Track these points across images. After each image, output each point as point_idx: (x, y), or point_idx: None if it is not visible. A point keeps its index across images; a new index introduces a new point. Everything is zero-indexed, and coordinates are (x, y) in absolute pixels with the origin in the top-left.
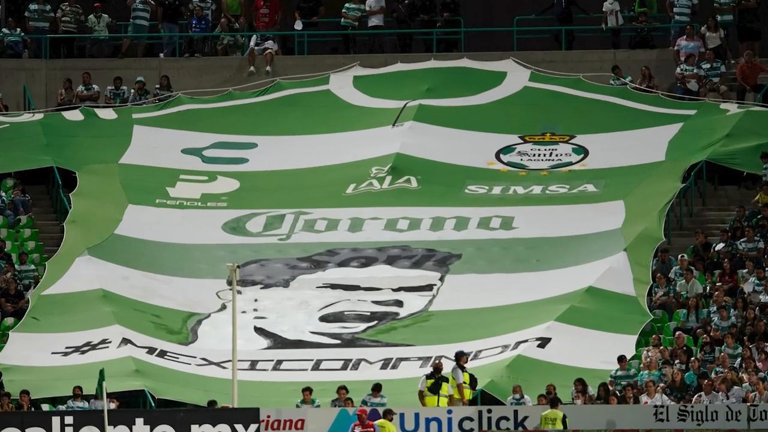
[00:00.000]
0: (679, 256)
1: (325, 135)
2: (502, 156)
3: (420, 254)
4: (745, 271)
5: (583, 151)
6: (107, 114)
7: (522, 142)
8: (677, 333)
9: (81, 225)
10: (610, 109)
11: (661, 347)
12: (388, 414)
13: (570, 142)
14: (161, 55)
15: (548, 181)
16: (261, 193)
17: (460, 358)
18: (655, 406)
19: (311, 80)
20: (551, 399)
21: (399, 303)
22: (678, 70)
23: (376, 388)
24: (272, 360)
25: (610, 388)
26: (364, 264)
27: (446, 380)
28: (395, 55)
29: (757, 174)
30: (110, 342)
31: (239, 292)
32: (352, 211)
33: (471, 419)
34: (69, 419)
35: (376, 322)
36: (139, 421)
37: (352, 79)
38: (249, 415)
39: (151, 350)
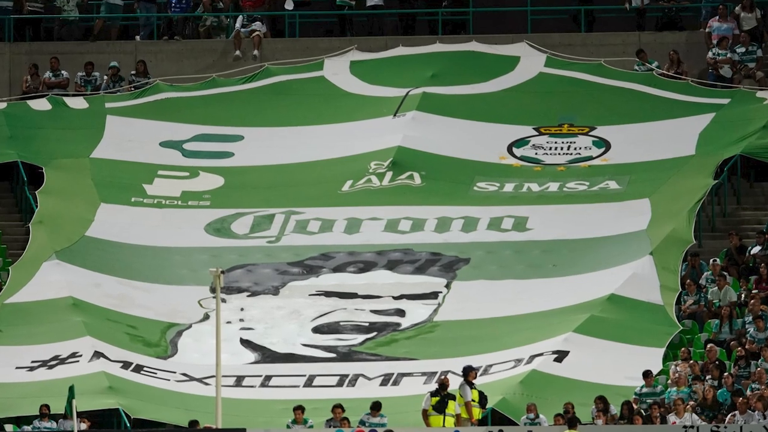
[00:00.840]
0: (711, 260)
1: (318, 126)
2: (514, 150)
3: (424, 258)
4: None
5: (604, 144)
6: (77, 103)
7: (537, 134)
8: (709, 346)
9: (48, 226)
10: (634, 97)
11: (691, 361)
12: None
13: (590, 134)
14: (137, 37)
15: (566, 178)
16: (248, 191)
17: (469, 373)
18: (684, 427)
19: (303, 66)
20: (569, 419)
21: (401, 312)
22: (710, 54)
23: (376, 406)
24: (260, 375)
25: (635, 406)
26: (362, 269)
27: (453, 398)
28: (396, 38)
29: None
30: (81, 355)
31: (224, 301)
32: (349, 211)
33: None
34: None
35: (375, 333)
36: None
37: (348, 64)
38: None
39: (125, 365)
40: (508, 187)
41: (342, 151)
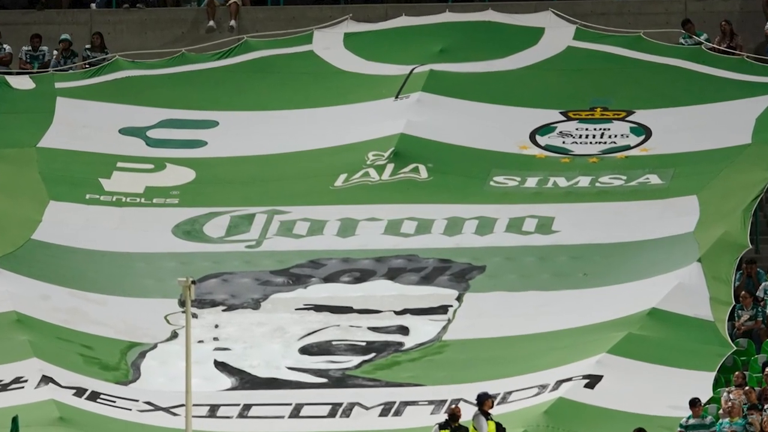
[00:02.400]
0: None
1: (307, 110)
2: (538, 138)
3: (431, 266)
4: None
5: (644, 132)
6: (22, 83)
7: (564, 119)
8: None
9: None
10: (679, 76)
11: (747, 387)
12: None
13: (627, 119)
14: (93, 5)
15: (599, 171)
16: (223, 187)
17: (484, 401)
18: None
19: (289, 39)
20: None
21: (404, 330)
22: None
23: None
24: (238, 404)
25: None
26: (358, 279)
27: (466, 431)
28: (398, 6)
29: None
30: (26, 380)
31: (194, 316)
32: (343, 210)
33: None
34: None
35: (373, 354)
36: None
37: (342, 37)
38: None
39: (79, 391)
40: (531, 182)
41: (334, 139)
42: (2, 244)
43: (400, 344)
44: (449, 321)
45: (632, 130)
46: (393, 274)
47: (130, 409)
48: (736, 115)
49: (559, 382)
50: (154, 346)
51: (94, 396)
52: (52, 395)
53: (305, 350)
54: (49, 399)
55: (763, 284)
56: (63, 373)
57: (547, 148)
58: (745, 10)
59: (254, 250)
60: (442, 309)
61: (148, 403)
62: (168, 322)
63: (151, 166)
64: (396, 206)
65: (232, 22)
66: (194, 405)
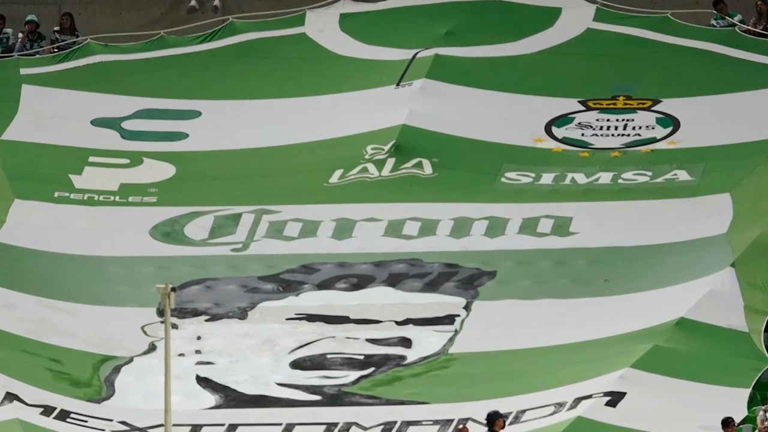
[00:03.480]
0: None
1: (299, 99)
2: (554, 129)
3: (436, 271)
4: None
5: (671, 123)
6: None
7: (584, 109)
8: None
9: None
10: (710, 61)
11: None
12: None
13: (653, 109)
14: None
15: (621, 166)
16: (206, 183)
17: (495, 421)
18: None
19: (279, 20)
20: None
21: (406, 342)
22: None
23: None
24: (223, 424)
25: None
26: (355, 285)
27: None
28: None
29: None
30: None
31: (174, 327)
32: (339, 209)
33: None
34: None
35: (372, 369)
36: None
37: (337, 18)
38: None
39: (47, 410)
40: (546, 179)
41: (329, 131)
42: None
43: (402, 358)
44: (456, 332)
45: (658, 120)
46: (394, 281)
47: (104, 430)
48: None
49: (578, 400)
50: (130, 359)
51: (64, 415)
52: (16, 414)
53: (297, 364)
54: (13, 418)
55: None
56: (29, 390)
57: (564, 141)
58: None
59: (240, 253)
60: (449, 319)
61: (123, 422)
62: (145, 333)
63: (126, 161)
64: (397, 205)
65: (216, 2)
66: (174, 425)
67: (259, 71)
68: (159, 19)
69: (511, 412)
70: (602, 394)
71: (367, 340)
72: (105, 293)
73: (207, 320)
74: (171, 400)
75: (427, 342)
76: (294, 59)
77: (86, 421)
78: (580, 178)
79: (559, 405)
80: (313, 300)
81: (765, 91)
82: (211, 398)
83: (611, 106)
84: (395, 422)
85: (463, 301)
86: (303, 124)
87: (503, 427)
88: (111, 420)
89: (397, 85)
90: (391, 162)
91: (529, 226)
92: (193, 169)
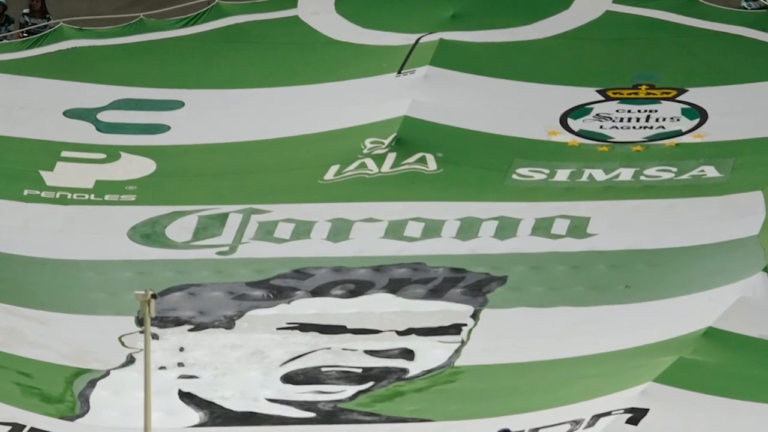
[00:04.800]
0: None
1: (291, 88)
2: (570, 121)
3: (441, 276)
4: None
5: (698, 114)
6: None
7: (603, 99)
8: None
9: None
10: (741, 47)
11: None
12: None
13: (678, 99)
14: None
15: (644, 161)
16: (189, 181)
17: None
18: None
19: (270, 2)
20: None
21: (408, 354)
22: None
23: None
24: None
25: None
26: (352, 292)
27: None
28: None
29: None
30: None
31: (155, 337)
32: (335, 209)
33: None
34: None
35: (371, 384)
36: None
37: (333, 0)
38: None
39: (15, 428)
40: (561, 175)
41: (325, 123)
42: None
43: (404, 371)
44: (463, 343)
45: (684, 112)
46: (395, 287)
47: None
48: None
49: (596, 417)
50: (107, 373)
51: None
52: None
53: (289, 378)
54: None
55: None
56: None
57: (581, 134)
58: None
59: (227, 257)
60: (455, 329)
61: None
62: (123, 344)
63: (102, 156)
64: (398, 204)
65: None
66: None
67: (247, 58)
68: (138, 0)
69: (523, 431)
70: (622, 411)
71: (366, 352)
72: (79, 300)
73: (190, 330)
74: (151, 418)
75: (431, 354)
76: (286, 44)
77: None
78: (599, 175)
79: (576, 423)
80: (306, 308)
81: None
82: (195, 415)
83: (633, 95)
84: None
85: (470, 309)
86: (295, 115)
87: None
88: None
89: (399, 72)
90: (391, 157)
91: (542, 227)
92: (175, 164)
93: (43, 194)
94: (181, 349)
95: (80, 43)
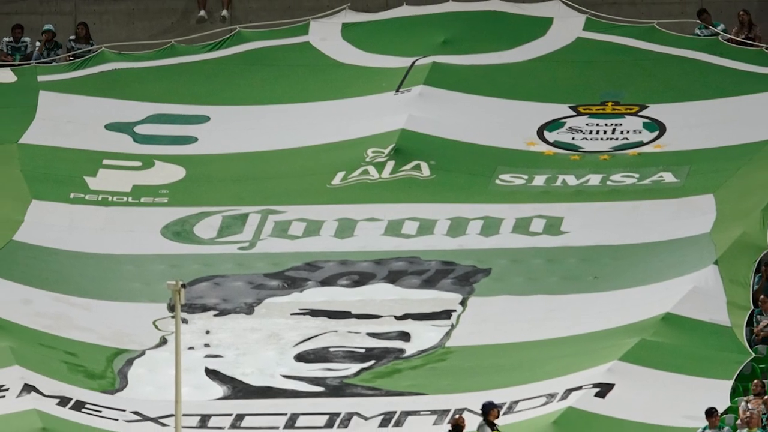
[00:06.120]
0: None
1: (303, 105)
2: (546, 133)
3: (434, 269)
4: None
5: (657, 127)
6: (3, 76)
7: (574, 114)
8: None
9: None
10: (695, 69)
11: (766, 397)
12: None
13: (640, 114)
14: None
15: (610, 169)
16: (215, 185)
17: (490, 411)
18: None
19: (284, 29)
20: None
21: (405, 336)
22: None
23: None
24: (230, 414)
25: None
26: (356, 282)
27: None
28: None
29: None
30: (7, 389)
31: (184, 321)
32: (341, 210)
33: None
34: None
35: (373, 362)
36: None
37: (340, 27)
38: None
39: (63, 401)
40: (539, 180)
41: (332, 135)
42: None
43: (401, 351)
44: (453, 326)
45: (645, 125)
46: (393, 277)
47: (117, 419)
48: (754, 110)
49: (569, 391)
50: (142, 353)
51: (79, 405)
52: (34, 405)
53: (301, 357)
54: (31, 409)
55: None
56: (46, 382)
57: (555, 144)
58: None
59: (247, 251)
60: (446, 314)
61: (136, 413)
62: (156, 327)
63: (138, 164)
64: (397, 206)
65: (224, 12)
66: (184, 415)
67: (264, 78)
68: (170, 28)
69: (505, 403)
70: (592, 386)
71: (368, 334)
72: (118, 290)
73: (215, 315)
74: (181, 392)
75: (425, 336)
76: (298, 66)
77: (101, 411)
78: (571, 180)
79: (551, 396)
80: (316, 296)
81: (747, 97)
82: (220, 389)
83: (600, 111)
84: (394, 412)
85: (459, 297)
86: (307, 128)
87: (497, 417)
88: (124, 410)
89: (397, 91)
90: (390, 164)
91: (522, 226)
92: (202, 171)
93: (86, 197)
94: (207, 332)
95: (119, 66)
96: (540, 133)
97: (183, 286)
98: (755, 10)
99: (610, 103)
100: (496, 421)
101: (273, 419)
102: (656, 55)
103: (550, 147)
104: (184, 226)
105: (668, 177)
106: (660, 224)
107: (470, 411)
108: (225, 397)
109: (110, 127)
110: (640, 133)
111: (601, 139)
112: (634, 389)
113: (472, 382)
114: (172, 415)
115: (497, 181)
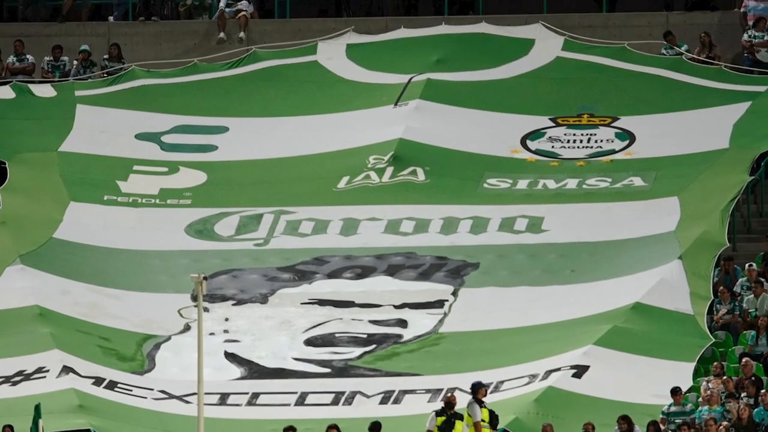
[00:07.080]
0: (747, 265)
1: (311, 116)
2: (529, 142)
3: (428, 263)
4: None
5: (628, 137)
6: (44, 91)
7: (554, 125)
8: (744, 360)
9: (12, 227)
10: (661, 84)
11: (725, 377)
12: None
13: (612, 125)
14: (110, 18)
15: (586, 174)
16: (233, 188)
17: (478, 390)
18: None
19: (295, 50)
20: None
21: (402, 323)
22: (745, 36)
23: (375, 427)
24: (247, 393)
25: (662, 426)
26: (359, 275)
27: (461, 418)
28: (398, 19)
29: None
30: (48, 371)
31: (206, 310)
32: (345, 211)
33: None
34: None
35: (374, 346)
36: None
37: (344, 48)
38: None
39: (98, 381)
40: (522, 184)
41: (337, 144)
42: (25, 242)
43: (399, 336)
44: (445, 314)
45: (617, 135)
46: (392, 271)
47: (146, 398)
48: (714, 122)
49: (549, 372)
50: (168, 338)
51: (112, 385)
52: (72, 384)
53: (310, 342)
54: (69, 388)
55: (740, 280)
56: (82, 364)
57: (537, 152)
58: (723, 22)
59: (262, 248)
60: (439, 303)
61: (163, 391)
62: (181, 315)
63: (165, 169)
64: (395, 207)
65: (242, 34)
66: (206, 393)
67: (277, 93)
68: (193, 48)
69: (492, 383)
70: (569, 368)
71: (370, 321)
72: (147, 282)
73: (234, 304)
74: (203, 373)
75: (420, 323)
76: (307, 83)
77: (131, 390)
78: (551, 184)
79: (533, 377)
80: (323, 287)
81: (708, 110)
82: (237, 371)
83: (577, 122)
84: (393, 391)
85: (451, 288)
86: (315, 137)
87: (485, 395)
88: (152, 389)
89: (395, 104)
90: (390, 170)
91: (507, 225)
92: (221, 176)
93: (118, 199)
94: (226, 320)
95: (148, 82)
96: (523, 142)
97: (205, 278)
98: (715, 33)
99: (585, 116)
100: (484, 399)
101: (285, 397)
102: (627, 73)
103: (532, 154)
104: (205, 225)
105: (638, 181)
106: (630, 223)
107: (461, 390)
108: (242, 378)
109: (140, 136)
110: (612, 142)
111: (578, 147)
112: (607, 370)
113: (463, 364)
114: (194, 394)
115: (485, 185)
